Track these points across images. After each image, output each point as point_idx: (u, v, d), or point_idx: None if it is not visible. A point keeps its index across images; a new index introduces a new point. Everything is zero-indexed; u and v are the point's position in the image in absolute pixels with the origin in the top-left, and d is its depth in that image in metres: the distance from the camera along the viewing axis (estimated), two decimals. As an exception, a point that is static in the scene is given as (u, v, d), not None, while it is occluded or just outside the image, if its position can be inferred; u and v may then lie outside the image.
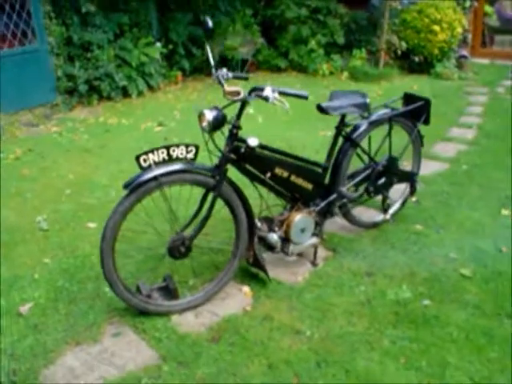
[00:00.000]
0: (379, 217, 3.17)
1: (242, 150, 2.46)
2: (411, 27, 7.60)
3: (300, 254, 2.93)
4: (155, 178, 2.29)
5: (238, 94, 2.39)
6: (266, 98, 2.27)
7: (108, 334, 2.45)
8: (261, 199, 2.64)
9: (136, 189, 2.28)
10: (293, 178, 2.66)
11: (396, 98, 3.13)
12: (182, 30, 8.06)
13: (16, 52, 6.51)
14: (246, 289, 2.72)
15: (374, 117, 2.92)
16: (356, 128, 2.90)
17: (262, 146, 2.54)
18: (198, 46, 8.33)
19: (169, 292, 2.61)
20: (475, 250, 2.93)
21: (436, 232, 3.16)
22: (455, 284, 2.64)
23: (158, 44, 7.83)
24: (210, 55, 2.56)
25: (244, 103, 2.44)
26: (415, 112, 3.07)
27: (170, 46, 7.98)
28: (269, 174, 2.57)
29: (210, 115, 2.33)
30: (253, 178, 2.59)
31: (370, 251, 2.98)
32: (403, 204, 3.31)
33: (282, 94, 2.33)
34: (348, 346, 2.25)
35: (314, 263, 2.88)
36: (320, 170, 2.79)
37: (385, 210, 3.12)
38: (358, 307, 2.50)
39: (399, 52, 7.61)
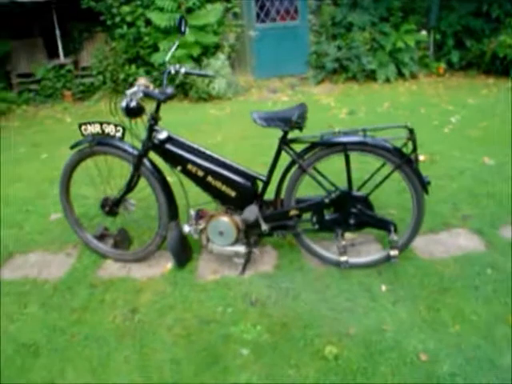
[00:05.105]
0: (342, 257, 2.70)
1: (155, 140, 2.67)
2: None
3: (248, 259, 2.86)
4: (89, 145, 2.79)
5: (147, 87, 2.59)
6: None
7: (65, 252, 3.18)
8: (182, 187, 2.76)
9: (77, 151, 2.86)
10: (210, 179, 2.65)
11: (381, 126, 2.53)
12: (456, 20, 7.29)
13: (277, 26, 7.44)
14: (169, 265, 2.95)
15: (326, 140, 2.50)
16: (306, 149, 2.57)
17: (174, 141, 2.66)
18: (475, 38, 7.40)
19: (116, 241, 3.12)
20: (389, 341, 2.22)
21: (391, 302, 2.50)
22: (305, 351, 2.19)
23: (424, 32, 7.38)
24: (172, 50, 2.77)
25: (166, 99, 2.59)
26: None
27: (438, 36, 7.39)
28: (179, 168, 2.68)
29: (123, 102, 2.63)
30: (170, 166, 2.74)
31: (297, 285, 2.63)
32: (388, 258, 2.69)
33: (147, 95, 2.45)
34: (135, 342, 2.32)
35: (240, 272, 2.82)
36: (249, 183, 2.66)
37: (340, 252, 2.65)
38: (191, 323, 2.37)
39: None
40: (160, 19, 6.26)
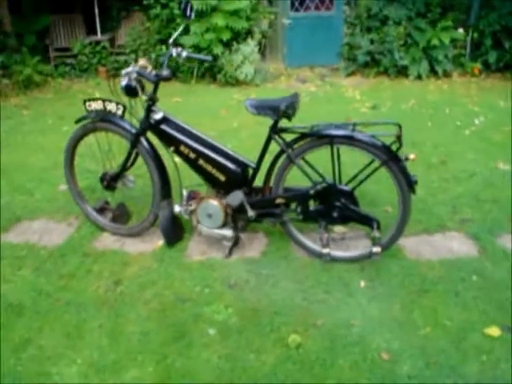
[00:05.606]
0: (324, 250, 2.71)
1: (151, 120, 2.74)
2: None
3: (236, 243, 2.91)
4: (92, 121, 2.90)
5: (145, 68, 2.66)
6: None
7: (67, 221, 3.33)
8: (175, 167, 2.84)
9: (81, 126, 2.97)
10: (201, 162, 2.72)
11: (371, 121, 2.51)
12: (495, 20, 7.02)
13: (311, 16, 7.37)
14: (160, 243, 3.04)
15: (314, 131, 2.51)
16: (296, 139, 2.59)
17: (169, 122, 2.73)
18: (515, 40, 7.12)
19: (114, 216, 3.24)
20: (354, 336, 2.23)
21: (366, 299, 2.51)
22: (269, 338, 2.24)
23: (461, 30, 7.15)
24: (175, 35, 2.83)
25: (159, 80, 2.66)
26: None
27: (475, 35, 7.15)
28: (172, 149, 2.75)
29: (122, 81, 2.70)
30: (164, 146, 2.82)
31: (278, 273, 2.66)
32: (370, 255, 2.68)
33: (140, 75, 2.51)
34: (112, 312, 2.43)
35: (226, 255, 2.88)
36: (239, 169, 2.71)
37: (322, 244, 2.67)
38: (168, 300, 2.46)
39: None
40: (192, 1, 6.33)
